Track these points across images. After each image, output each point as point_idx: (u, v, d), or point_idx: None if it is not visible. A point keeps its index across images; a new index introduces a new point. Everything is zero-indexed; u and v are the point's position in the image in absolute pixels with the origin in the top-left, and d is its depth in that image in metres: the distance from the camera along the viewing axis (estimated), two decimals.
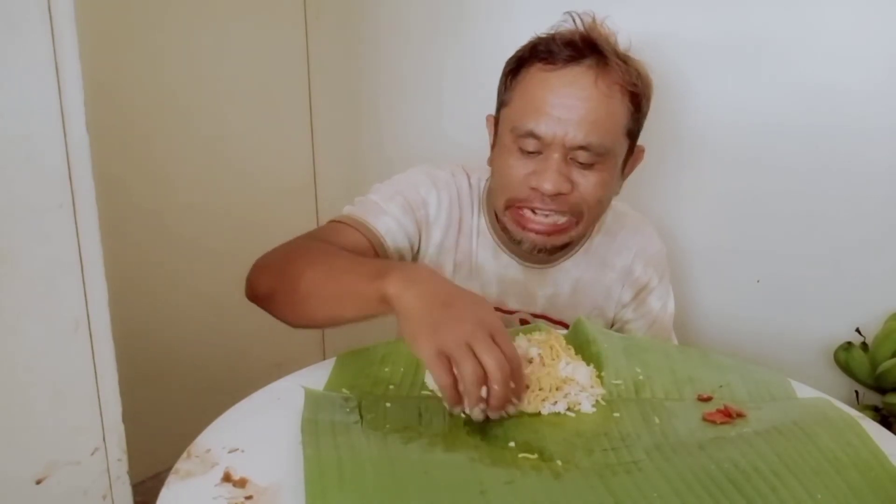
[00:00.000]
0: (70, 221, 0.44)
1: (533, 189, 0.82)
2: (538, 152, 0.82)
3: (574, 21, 0.84)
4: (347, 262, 0.77)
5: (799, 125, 1.13)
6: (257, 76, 1.52)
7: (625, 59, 0.82)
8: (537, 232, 0.84)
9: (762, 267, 1.22)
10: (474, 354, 0.58)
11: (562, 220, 0.84)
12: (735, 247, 1.23)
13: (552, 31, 0.84)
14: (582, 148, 0.80)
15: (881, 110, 1.07)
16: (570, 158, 0.81)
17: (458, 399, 0.59)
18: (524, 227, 0.85)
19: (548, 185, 0.80)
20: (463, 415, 0.61)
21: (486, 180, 0.94)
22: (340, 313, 0.72)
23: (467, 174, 0.95)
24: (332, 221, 0.88)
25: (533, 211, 0.84)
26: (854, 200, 1.12)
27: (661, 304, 0.98)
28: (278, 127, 1.60)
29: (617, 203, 0.94)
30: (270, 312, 0.79)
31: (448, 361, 0.59)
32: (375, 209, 0.88)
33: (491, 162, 0.90)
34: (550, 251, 0.88)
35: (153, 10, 1.33)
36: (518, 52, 0.86)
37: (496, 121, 0.90)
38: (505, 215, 0.87)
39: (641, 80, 0.83)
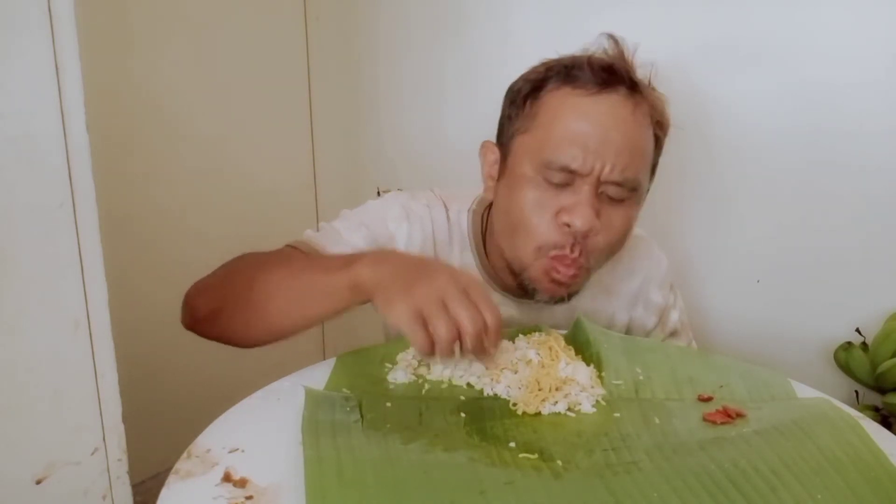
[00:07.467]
0: (70, 221, 0.44)
1: (563, 225, 0.73)
2: (567, 184, 0.73)
3: (606, 45, 0.77)
4: (305, 260, 0.72)
5: (799, 125, 1.13)
6: (257, 77, 1.52)
7: (652, 92, 0.77)
8: (560, 283, 0.76)
9: (762, 267, 1.22)
10: (448, 311, 0.58)
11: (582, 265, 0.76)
12: (735, 247, 1.23)
13: (582, 53, 0.77)
14: (615, 183, 0.73)
15: (881, 110, 1.07)
16: (601, 192, 0.74)
17: (431, 354, 0.60)
18: (551, 279, 0.76)
19: (579, 223, 0.72)
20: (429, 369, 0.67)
21: (469, 212, 0.86)
22: (304, 313, 0.68)
23: (445, 206, 0.86)
24: (287, 245, 0.80)
25: (563, 263, 0.74)
26: (854, 200, 1.12)
27: (678, 311, 0.96)
28: (278, 127, 1.61)
29: None
30: (214, 335, 0.73)
31: (424, 322, 0.59)
32: (336, 238, 0.81)
33: (495, 196, 0.81)
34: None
35: (153, 11, 1.33)
36: (529, 74, 0.78)
37: (503, 150, 0.80)
38: (533, 265, 0.76)
39: (664, 117, 0.78)
